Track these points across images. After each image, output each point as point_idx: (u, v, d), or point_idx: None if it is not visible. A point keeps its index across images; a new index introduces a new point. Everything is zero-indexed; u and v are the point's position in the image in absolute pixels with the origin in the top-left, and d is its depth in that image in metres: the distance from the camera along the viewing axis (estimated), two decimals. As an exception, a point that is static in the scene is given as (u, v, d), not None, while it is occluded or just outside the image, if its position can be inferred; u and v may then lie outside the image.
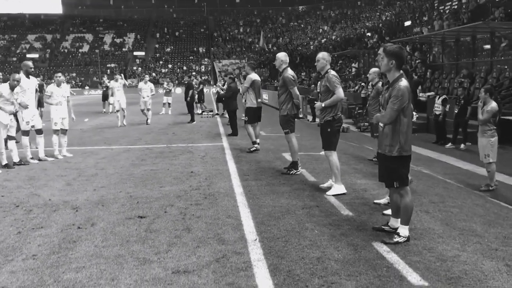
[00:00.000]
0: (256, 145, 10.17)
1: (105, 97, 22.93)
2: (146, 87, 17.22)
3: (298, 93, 7.86)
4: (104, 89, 23.23)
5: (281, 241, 4.48)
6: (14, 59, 67.09)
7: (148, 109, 17.10)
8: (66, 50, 73.65)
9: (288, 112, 7.81)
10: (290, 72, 7.86)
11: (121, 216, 5.36)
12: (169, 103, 22.03)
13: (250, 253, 4.18)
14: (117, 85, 16.61)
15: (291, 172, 7.71)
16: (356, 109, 18.10)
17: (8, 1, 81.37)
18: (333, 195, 6.21)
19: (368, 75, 9.58)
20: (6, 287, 3.57)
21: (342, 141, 11.01)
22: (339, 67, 35.44)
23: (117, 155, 9.86)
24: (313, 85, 20.77)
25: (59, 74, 9.90)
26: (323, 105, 6.30)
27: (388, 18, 48.77)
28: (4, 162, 8.42)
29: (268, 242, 4.47)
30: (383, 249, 4.27)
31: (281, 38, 73.92)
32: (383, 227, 4.79)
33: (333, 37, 57.48)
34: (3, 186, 6.97)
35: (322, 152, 6.71)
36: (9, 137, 8.54)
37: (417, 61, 20.89)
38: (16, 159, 8.67)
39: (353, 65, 31.84)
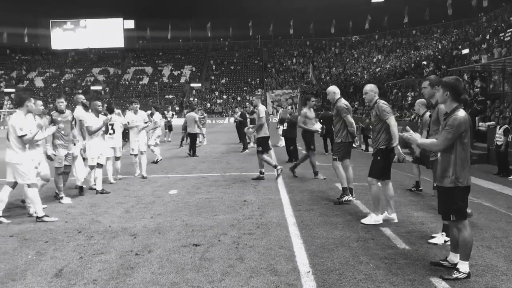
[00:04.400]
0: (278, 168, 10.35)
1: (169, 128, 24.12)
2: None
3: (352, 120, 7.93)
4: (166, 120, 24.41)
5: (335, 274, 4.41)
6: (80, 91, 71.19)
7: (153, 145, 13.79)
8: (127, 82, 77.29)
9: (342, 140, 7.93)
10: (343, 101, 8.03)
11: (176, 244, 5.49)
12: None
13: (303, 286, 4.15)
14: (136, 118, 11.52)
15: (344, 199, 7.72)
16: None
17: (76, 38, 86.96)
18: (368, 223, 6.29)
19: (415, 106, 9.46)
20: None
21: (398, 171, 10.79)
22: (394, 96, 34.86)
23: (173, 183, 10.14)
24: (364, 115, 20.64)
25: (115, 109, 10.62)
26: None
27: (445, 46, 47.79)
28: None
29: (322, 274, 4.42)
30: (441, 285, 4.11)
31: (334, 68, 73.97)
32: (441, 262, 4.61)
33: (387, 66, 56.85)
34: (67, 213, 7.34)
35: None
36: (98, 165, 9.01)
37: (476, 89, 20.18)
38: (99, 187, 9.04)
39: (408, 94, 31.24)
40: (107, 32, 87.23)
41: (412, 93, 30.48)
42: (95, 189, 9.09)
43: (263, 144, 10.36)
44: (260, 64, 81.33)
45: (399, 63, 54.02)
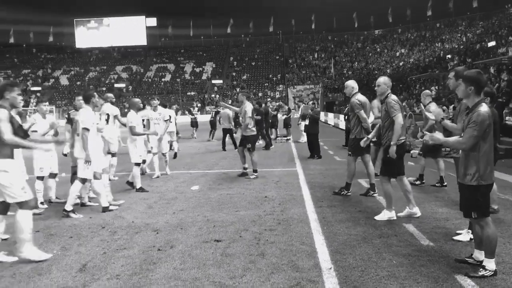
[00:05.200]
0: (246, 171, 10.42)
1: (194, 124, 24.62)
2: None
3: (365, 116, 7.84)
4: (192, 117, 24.78)
5: (357, 271, 4.37)
6: (104, 89, 72.24)
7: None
8: (150, 80, 78.07)
9: (356, 136, 7.90)
10: (357, 97, 7.96)
11: (198, 239, 5.52)
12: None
13: (325, 282, 4.12)
14: (155, 115, 11.16)
15: (342, 193, 7.99)
16: (436, 133, 17.31)
17: (99, 36, 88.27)
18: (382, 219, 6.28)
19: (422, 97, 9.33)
20: (93, 304, 3.79)
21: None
22: (417, 91, 34.31)
23: (195, 179, 10.21)
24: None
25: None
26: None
27: (470, 39, 46.77)
28: (139, 185, 8.92)
29: (344, 271, 4.38)
30: (467, 282, 4.02)
31: (356, 63, 73.21)
32: (466, 259, 4.51)
33: (411, 60, 55.98)
34: (92, 208, 7.47)
35: (393, 179, 6.51)
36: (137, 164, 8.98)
37: (503, 83, 19.70)
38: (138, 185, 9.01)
39: (431, 88, 30.72)
40: (130, 30, 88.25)
41: (436, 87, 29.96)
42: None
43: (253, 142, 10.37)
44: (281, 60, 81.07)
45: (423, 57, 53.14)
